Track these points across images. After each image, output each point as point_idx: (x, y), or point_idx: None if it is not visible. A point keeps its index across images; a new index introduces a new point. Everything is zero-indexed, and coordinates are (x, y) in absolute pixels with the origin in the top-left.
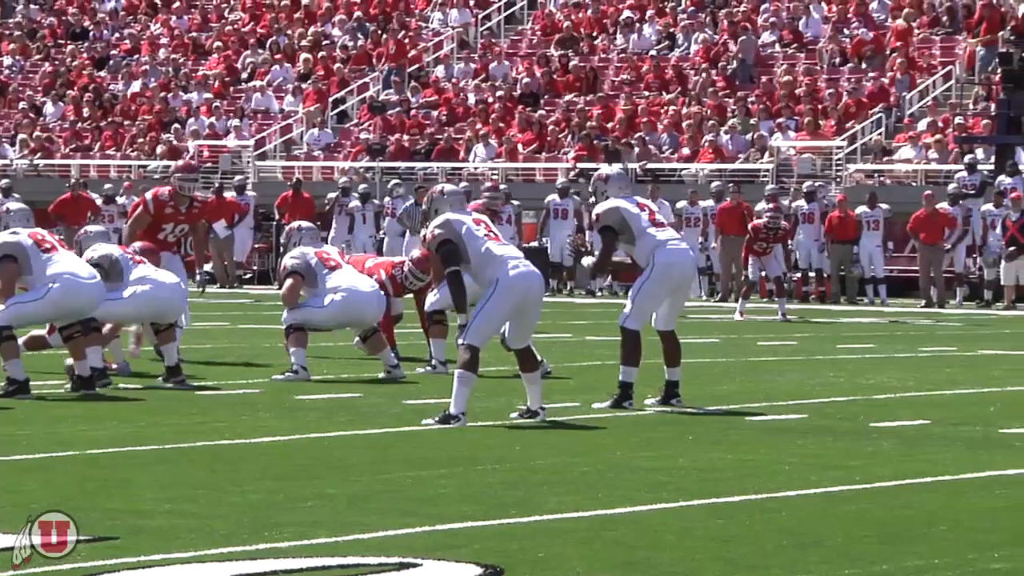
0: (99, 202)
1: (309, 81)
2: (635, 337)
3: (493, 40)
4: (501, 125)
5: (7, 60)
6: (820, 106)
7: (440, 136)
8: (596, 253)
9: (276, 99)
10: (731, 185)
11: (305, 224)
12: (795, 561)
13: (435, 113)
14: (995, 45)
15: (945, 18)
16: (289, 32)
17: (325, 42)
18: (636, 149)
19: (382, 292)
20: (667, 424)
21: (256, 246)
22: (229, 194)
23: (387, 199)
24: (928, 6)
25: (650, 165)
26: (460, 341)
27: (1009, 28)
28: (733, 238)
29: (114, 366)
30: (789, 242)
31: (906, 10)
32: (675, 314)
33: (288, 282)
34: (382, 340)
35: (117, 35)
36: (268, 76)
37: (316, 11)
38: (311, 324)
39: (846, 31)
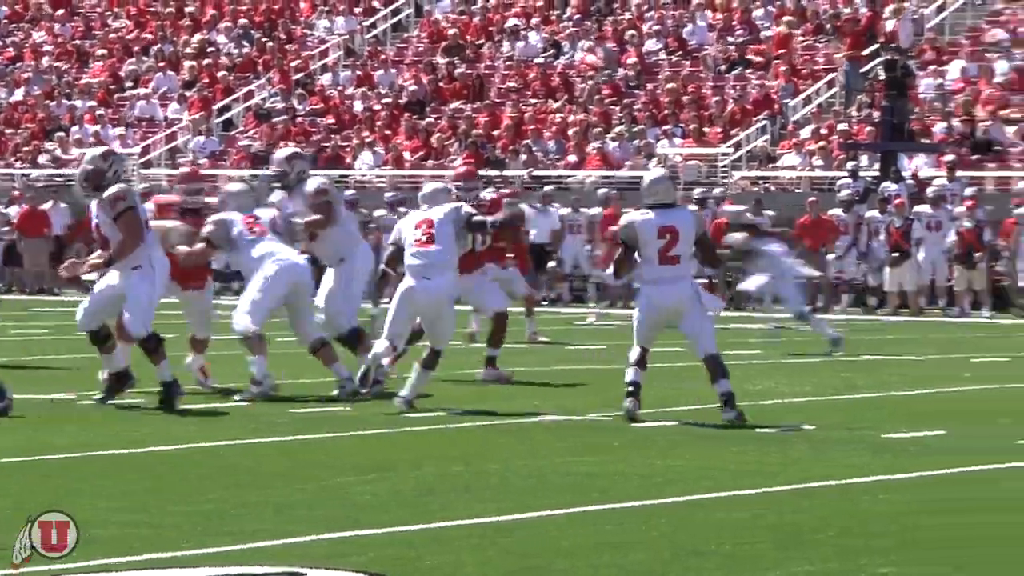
0: None
1: (194, 89)
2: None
3: (379, 48)
4: (387, 132)
5: None
6: (705, 113)
7: (327, 144)
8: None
9: (161, 107)
10: (615, 192)
11: (234, 188)
12: (690, 568)
13: (321, 121)
14: (859, 59)
15: (828, 26)
16: (174, 40)
17: (210, 49)
18: (523, 156)
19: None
20: (558, 431)
21: None
22: None
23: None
24: (812, 14)
25: (537, 172)
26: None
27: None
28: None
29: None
30: None
31: (789, 18)
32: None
33: (198, 247)
34: (332, 353)
35: (0, 43)
36: (152, 84)
37: (201, 18)
38: (261, 312)
39: (730, 38)
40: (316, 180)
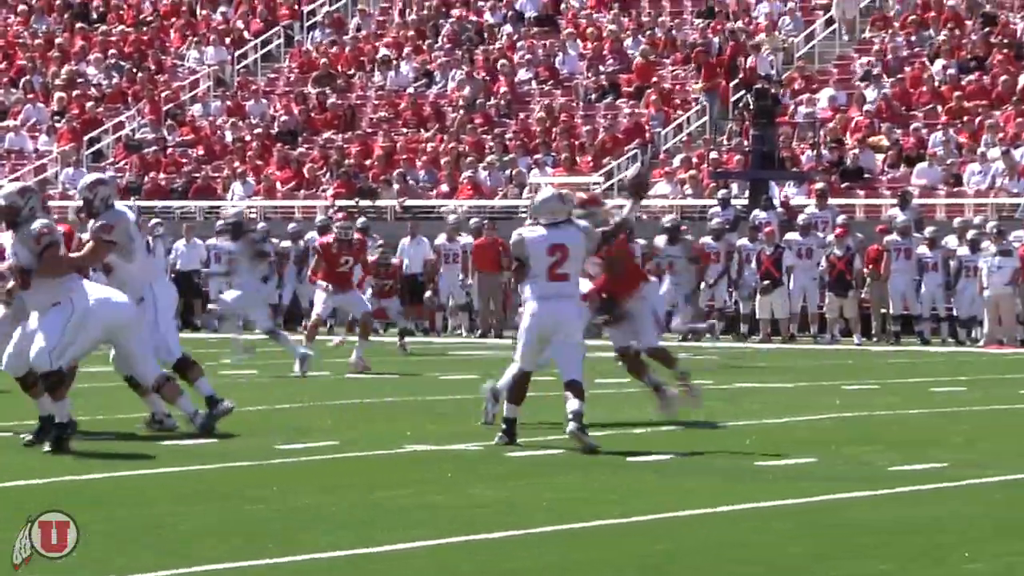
0: None
1: (64, 120)
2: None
3: (250, 78)
4: (259, 163)
5: None
6: (577, 142)
7: (197, 174)
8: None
9: (30, 138)
10: (486, 221)
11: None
12: None
13: (192, 151)
14: (716, 90)
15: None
16: (43, 71)
17: (80, 80)
18: (395, 186)
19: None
20: (428, 461)
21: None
22: None
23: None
24: (682, 43)
25: (409, 202)
26: None
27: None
28: (490, 275)
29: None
30: None
31: (645, 46)
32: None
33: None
34: (176, 388)
35: None
36: (22, 115)
37: (70, 49)
38: (71, 352)
39: (601, 67)
40: (39, 222)
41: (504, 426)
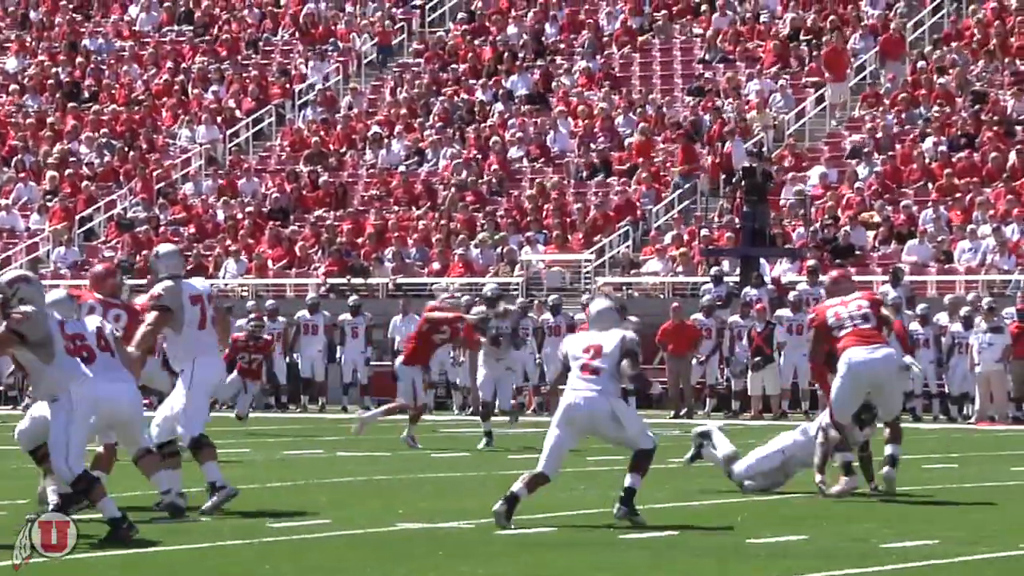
0: None
1: (55, 199)
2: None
3: (241, 156)
4: (251, 241)
5: None
6: (568, 219)
7: (189, 252)
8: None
9: (22, 217)
10: (477, 298)
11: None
12: None
13: (184, 229)
14: (694, 174)
15: (688, 131)
16: (35, 150)
17: (72, 159)
18: (388, 264)
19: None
20: (417, 540)
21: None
22: None
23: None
24: (671, 122)
25: (401, 280)
26: None
27: (751, 142)
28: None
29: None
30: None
31: (644, 125)
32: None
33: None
34: (155, 462)
35: None
36: (13, 194)
37: (63, 128)
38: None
39: (592, 145)
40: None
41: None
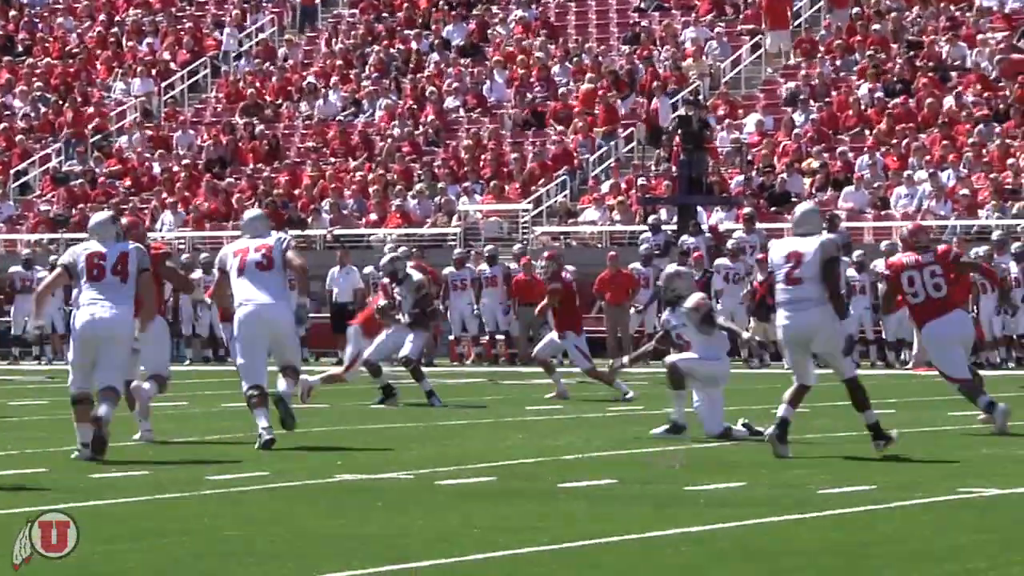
0: None
1: None
2: None
3: (177, 109)
4: (187, 194)
5: None
6: (505, 169)
7: (126, 206)
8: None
9: None
10: (415, 250)
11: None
12: None
13: (119, 183)
14: (614, 133)
15: (625, 81)
16: None
17: (6, 112)
18: (325, 215)
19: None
20: (357, 491)
21: None
22: None
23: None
24: (608, 71)
25: (338, 231)
26: None
27: (687, 91)
28: None
29: None
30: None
31: (588, 74)
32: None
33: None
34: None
35: None
36: None
37: None
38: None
39: (529, 95)
40: None
41: None
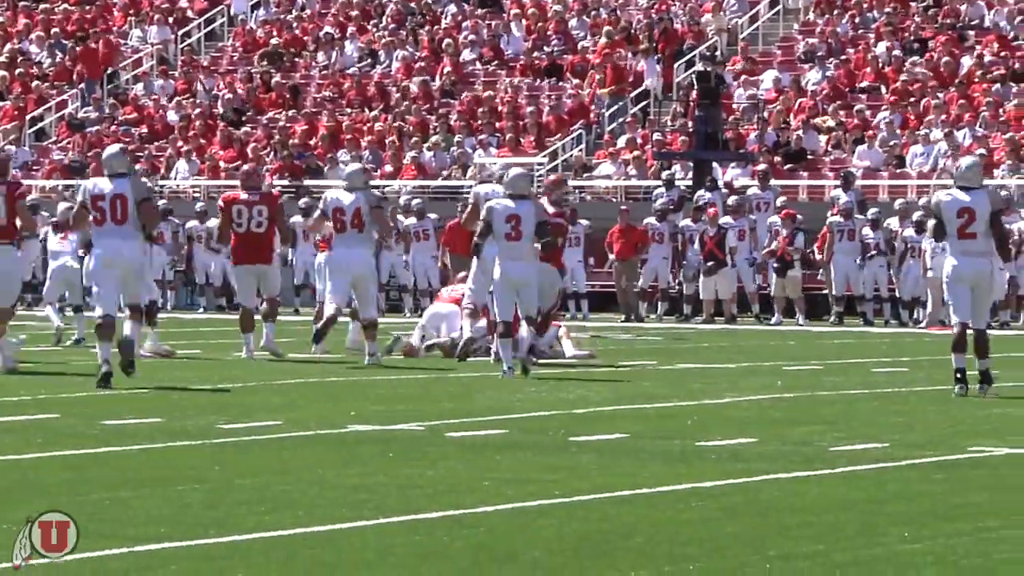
0: None
1: (6, 99)
2: None
3: (194, 57)
4: (202, 142)
5: None
6: (521, 123)
7: (141, 153)
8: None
9: None
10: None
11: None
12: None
13: (135, 130)
14: (622, 94)
15: (643, 36)
16: None
17: (22, 59)
18: (342, 166)
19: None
20: (368, 442)
21: None
22: None
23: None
24: (625, 25)
25: None
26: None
27: (704, 47)
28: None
29: None
30: None
31: (605, 28)
32: None
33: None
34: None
35: None
36: None
37: (12, 28)
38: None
39: (546, 48)
40: None
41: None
